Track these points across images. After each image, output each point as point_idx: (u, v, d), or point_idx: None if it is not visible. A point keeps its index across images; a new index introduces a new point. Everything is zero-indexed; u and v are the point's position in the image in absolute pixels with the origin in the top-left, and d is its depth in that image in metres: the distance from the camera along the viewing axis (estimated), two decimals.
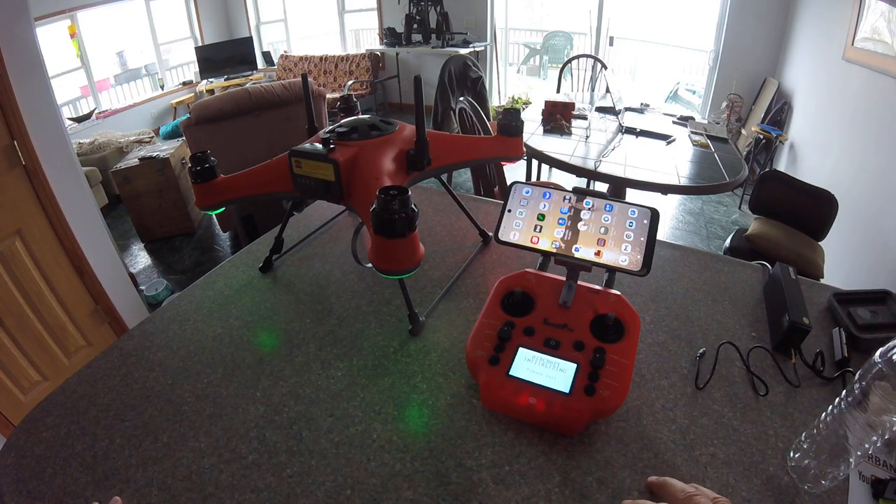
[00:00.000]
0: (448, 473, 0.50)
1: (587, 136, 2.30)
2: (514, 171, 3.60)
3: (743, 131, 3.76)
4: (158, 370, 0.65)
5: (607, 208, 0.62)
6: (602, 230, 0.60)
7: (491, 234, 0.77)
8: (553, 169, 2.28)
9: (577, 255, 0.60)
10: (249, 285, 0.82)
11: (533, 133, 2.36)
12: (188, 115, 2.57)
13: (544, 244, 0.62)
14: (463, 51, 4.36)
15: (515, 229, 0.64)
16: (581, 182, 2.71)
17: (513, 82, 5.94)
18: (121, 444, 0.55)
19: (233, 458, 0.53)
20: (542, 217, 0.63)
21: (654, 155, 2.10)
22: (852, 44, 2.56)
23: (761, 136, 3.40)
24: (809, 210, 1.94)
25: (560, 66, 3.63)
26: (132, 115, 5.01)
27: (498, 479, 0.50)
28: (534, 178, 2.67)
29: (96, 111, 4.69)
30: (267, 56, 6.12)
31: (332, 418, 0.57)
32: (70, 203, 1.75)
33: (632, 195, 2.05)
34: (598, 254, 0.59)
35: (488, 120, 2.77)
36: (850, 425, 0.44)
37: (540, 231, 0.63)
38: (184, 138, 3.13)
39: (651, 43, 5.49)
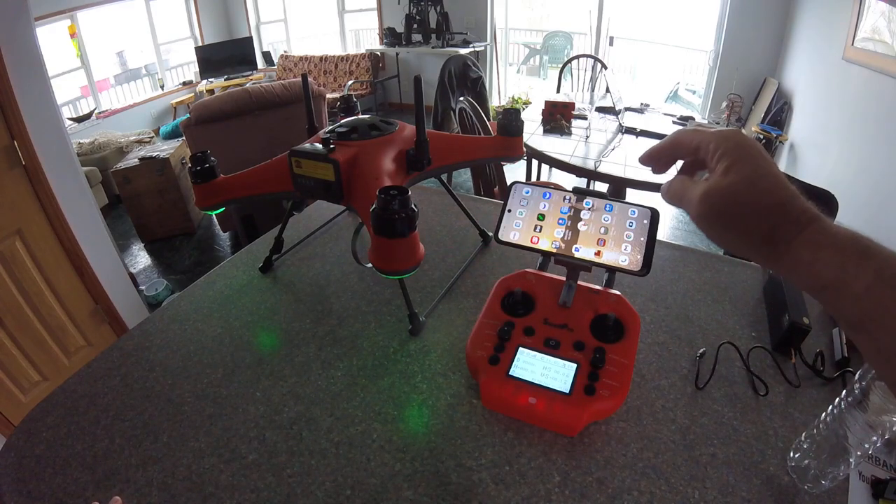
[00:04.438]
0: (448, 473, 0.50)
1: (587, 136, 2.30)
2: (514, 171, 3.60)
3: (743, 131, 3.76)
4: (158, 370, 0.65)
5: (607, 208, 0.61)
6: (602, 230, 0.60)
7: (491, 234, 0.77)
8: (553, 169, 2.28)
9: (577, 255, 0.60)
10: (249, 285, 0.82)
11: (533, 133, 2.36)
12: (188, 115, 2.57)
13: (544, 244, 0.62)
14: (463, 51, 4.36)
15: (515, 229, 0.64)
16: (581, 182, 2.71)
17: (513, 82, 5.94)
18: (121, 444, 0.55)
19: (233, 458, 0.53)
20: (542, 217, 0.63)
21: None
22: (852, 44, 2.56)
23: (761, 136, 3.40)
24: None
25: (560, 66, 3.63)
26: (132, 115, 5.01)
27: (498, 479, 0.50)
28: (534, 178, 2.67)
29: (96, 111, 4.69)
30: (267, 56, 6.12)
31: (332, 418, 0.57)
32: (70, 203, 1.75)
33: (632, 195, 2.05)
34: (598, 254, 0.59)
35: (488, 120, 2.77)
36: (850, 425, 0.44)
37: (540, 231, 0.63)
38: (184, 138, 3.13)
39: (651, 43, 5.49)
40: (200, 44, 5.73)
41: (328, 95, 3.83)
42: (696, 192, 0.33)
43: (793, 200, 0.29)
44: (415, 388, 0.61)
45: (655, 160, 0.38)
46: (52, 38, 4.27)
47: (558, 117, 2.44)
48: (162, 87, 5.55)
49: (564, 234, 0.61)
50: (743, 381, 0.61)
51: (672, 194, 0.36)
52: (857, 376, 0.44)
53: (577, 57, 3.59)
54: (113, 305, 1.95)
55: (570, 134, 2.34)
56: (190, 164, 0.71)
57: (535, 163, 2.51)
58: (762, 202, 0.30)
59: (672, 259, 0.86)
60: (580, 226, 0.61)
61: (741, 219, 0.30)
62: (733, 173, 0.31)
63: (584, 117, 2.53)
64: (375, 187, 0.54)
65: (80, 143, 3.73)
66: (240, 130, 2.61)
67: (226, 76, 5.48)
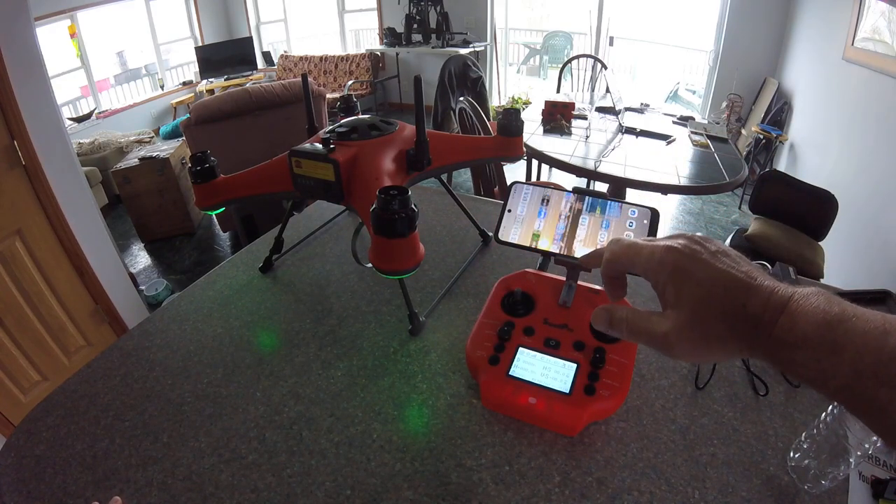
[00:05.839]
0: (448, 473, 0.50)
1: (587, 136, 2.30)
2: (514, 171, 3.60)
3: (743, 131, 3.76)
4: (158, 370, 0.65)
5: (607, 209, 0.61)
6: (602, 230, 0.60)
7: (491, 234, 0.77)
8: (553, 169, 2.28)
9: (577, 255, 0.60)
10: (249, 285, 0.82)
11: (533, 133, 2.36)
12: (188, 115, 2.57)
13: (544, 244, 0.62)
14: (463, 51, 4.36)
15: (515, 229, 0.64)
16: (581, 182, 2.71)
17: (513, 82, 5.94)
18: (121, 444, 0.55)
19: (233, 458, 0.53)
20: (542, 217, 0.63)
21: (654, 155, 2.10)
22: (852, 44, 2.56)
23: (761, 136, 3.40)
24: (809, 210, 1.94)
25: (560, 66, 3.63)
26: (132, 115, 5.01)
27: (498, 479, 0.50)
28: (534, 178, 2.67)
29: (96, 111, 4.69)
30: (267, 56, 6.12)
31: (332, 418, 0.57)
32: (70, 203, 1.75)
33: (632, 195, 2.05)
34: None
35: (488, 120, 2.77)
36: (849, 425, 0.44)
37: (540, 231, 0.63)
38: (184, 138, 3.13)
39: (651, 43, 5.49)
40: (200, 44, 5.72)
41: (328, 95, 3.83)
42: (659, 332, 0.32)
43: (753, 295, 0.29)
44: (415, 388, 0.61)
45: (616, 287, 0.38)
46: (52, 38, 4.27)
47: (558, 117, 2.44)
48: (162, 87, 5.55)
49: (564, 235, 0.61)
50: (743, 381, 0.61)
51: (632, 332, 0.35)
52: None
53: (577, 57, 3.59)
54: (113, 305, 1.95)
55: (570, 134, 2.34)
56: (190, 164, 0.71)
57: (535, 163, 2.51)
58: (726, 314, 0.29)
59: None
60: (580, 226, 0.61)
61: (714, 343, 0.30)
62: (685, 300, 0.31)
63: (584, 117, 2.53)
64: (375, 187, 0.54)
65: (80, 143, 3.73)
66: (240, 130, 2.61)
67: (226, 76, 5.48)
